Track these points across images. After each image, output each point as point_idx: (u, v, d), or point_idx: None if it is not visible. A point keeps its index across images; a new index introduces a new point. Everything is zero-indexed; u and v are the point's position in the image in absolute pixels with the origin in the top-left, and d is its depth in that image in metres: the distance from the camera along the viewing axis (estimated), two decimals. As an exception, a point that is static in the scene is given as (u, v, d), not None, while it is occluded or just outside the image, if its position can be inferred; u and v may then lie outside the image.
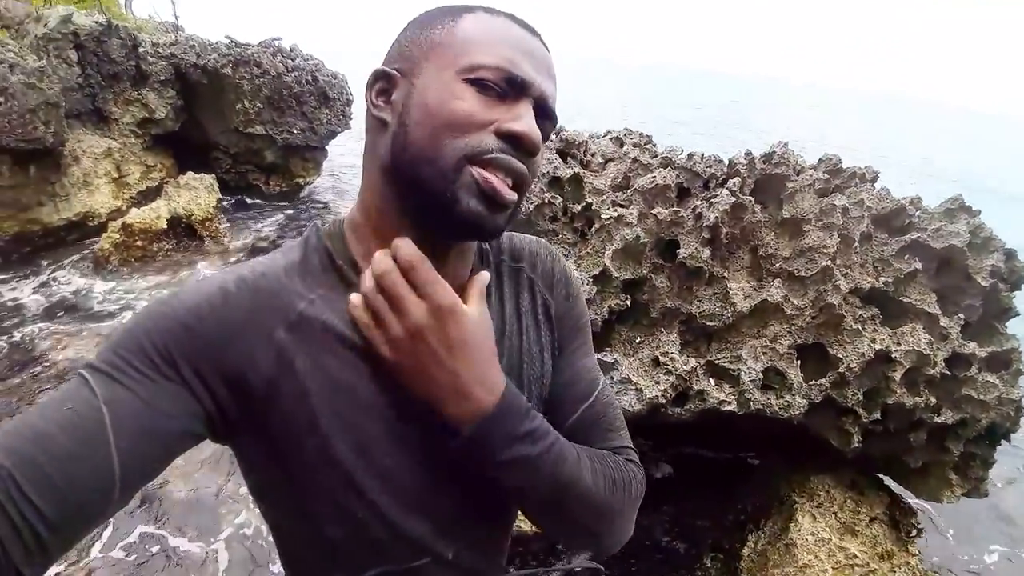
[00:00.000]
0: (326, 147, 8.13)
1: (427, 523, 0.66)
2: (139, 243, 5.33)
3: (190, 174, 5.94)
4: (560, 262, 0.81)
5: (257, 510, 0.73)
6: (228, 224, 6.36)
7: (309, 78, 7.29)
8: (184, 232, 5.72)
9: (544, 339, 0.76)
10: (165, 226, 5.46)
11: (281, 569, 0.75)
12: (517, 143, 0.58)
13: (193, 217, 5.67)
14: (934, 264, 2.39)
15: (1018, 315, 2.54)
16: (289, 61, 7.17)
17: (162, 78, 6.55)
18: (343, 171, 9.94)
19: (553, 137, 2.61)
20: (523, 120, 0.58)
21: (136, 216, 5.38)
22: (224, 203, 6.54)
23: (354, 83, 8.00)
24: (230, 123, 7.06)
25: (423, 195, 0.59)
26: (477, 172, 0.57)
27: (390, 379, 0.62)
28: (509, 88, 0.58)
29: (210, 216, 5.80)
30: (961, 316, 2.42)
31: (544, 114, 0.62)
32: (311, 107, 7.38)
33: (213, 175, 6.19)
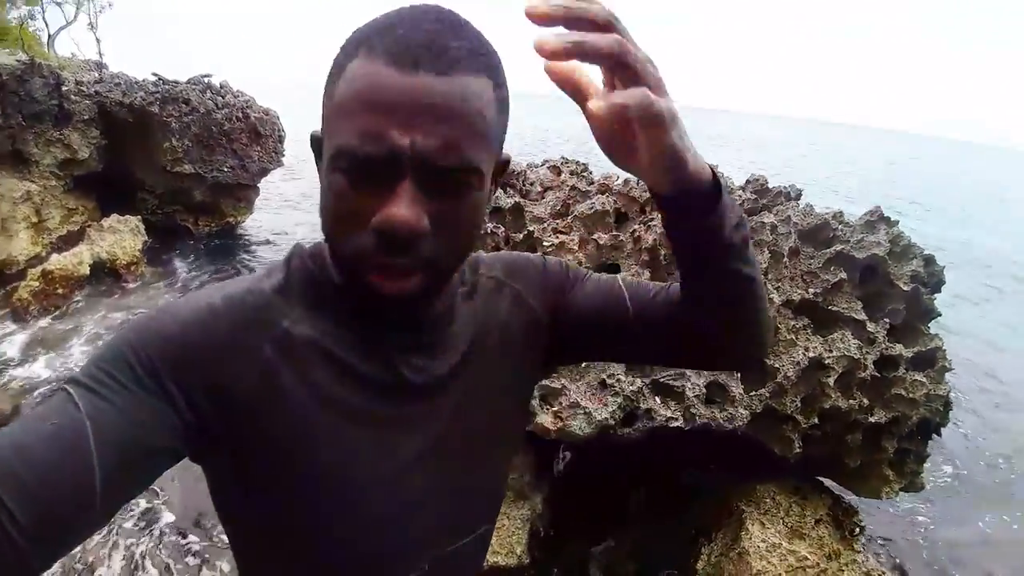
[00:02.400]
0: (258, 185, 7.95)
1: (407, 535, 0.67)
2: (60, 291, 5.03)
3: (114, 216, 5.69)
4: (535, 260, 0.80)
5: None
6: (154, 267, 6.11)
7: (240, 115, 7.12)
8: (108, 276, 5.44)
9: (531, 357, 0.76)
10: (87, 272, 5.19)
11: None
12: (388, 238, 0.52)
13: (118, 261, 5.41)
14: (858, 273, 2.52)
15: (940, 315, 2.70)
16: (219, 98, 7.00)
17: (85, 117, 6.26)
18: (279, 209, 9.71)
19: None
20: (388, 209, 0.51)
21: (57, 262, 5.09)
22: (150, 246, 6.29)
23: (287, 119, 7.88)
24: (157, 162, 6.80)
25: (342, 276, 0.61)
26: (364, 277, 0.55)
27: (378, 392, 0.62)
28: (375, 170, 0.51)
29: (135, 260, 5.57)
30: (887, 320, 2.55)
31: (436, 175, 0.51)
32: (242, 144, 7.20)
33: (139, 216, 5.96)
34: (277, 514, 0.63)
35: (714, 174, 0.57)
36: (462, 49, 0.51)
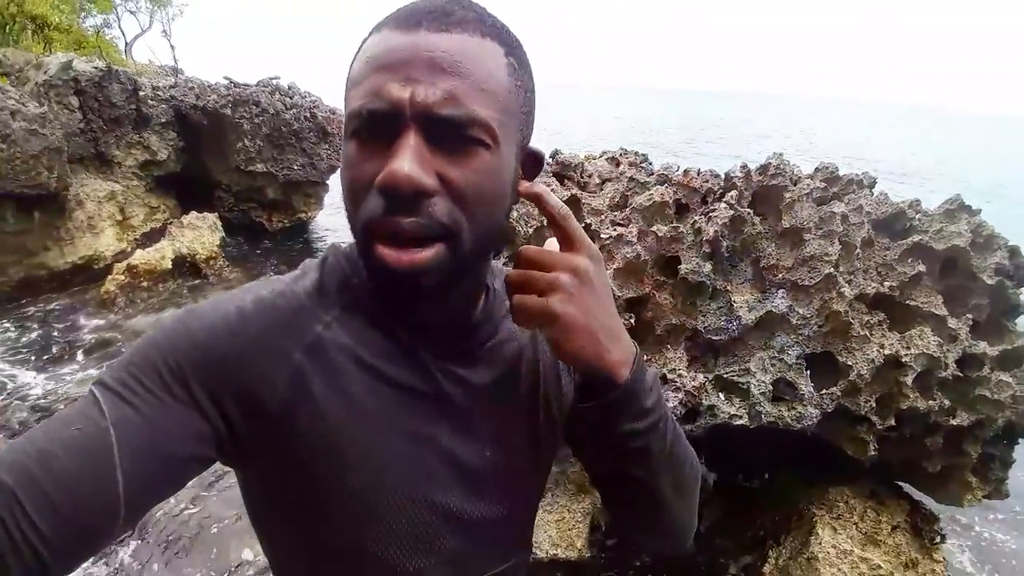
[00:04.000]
0: (327, 181, 8.22)
1: (439, 555, 0.64)
2: (144, 284, 5.37)
3: (193, 214, 6.02)
4: None
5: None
6: (232, 261, 6.41)
7: (307, 115, 7.39)
8: (189, 271, 5.77)
9: (556, 392, 0.73)
10: (170, 266, 5.52)
11: None
12: (391, 193, 0.49)
13: (197, 256, 5.73)
14: (938, 265, 2.37)
15: (1029, 311, 2.51)
16: (287, 99, 7.29)
17: (163, 120, 6.67)
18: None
19: (549, 160, 2.62)
20: (389, 165, 0.49)
21: (141, 257, 5.45)
22: (228, 241, 6.61)
23: None
24: (231, 162, 7.15)
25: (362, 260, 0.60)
26: (372, 247, 0.53)
27: (413, 403, 0.61)
28: (377, 129, 0.50)
29: (214, 255, 5.87)
30: (969, 316, 2.39)
31: (439, 127, 0.50)
32: (310, 143, 7.48)
33: (216, 214, 6.27)
34: (307, 525, 0.61)
35: (633, 376, 0.58)
36: (468, 14, 0.52)
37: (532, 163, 0.61)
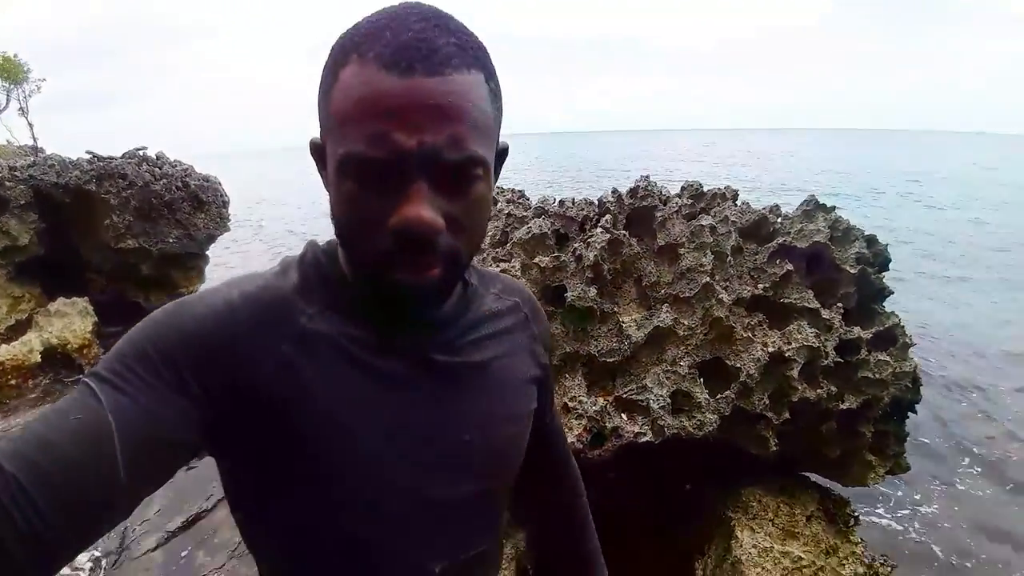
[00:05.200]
0: (206, 252, 7.79)
1: (420, 535, 0.67)
2: (12, 381, 4.87)
3: (61, 300, 5.53)
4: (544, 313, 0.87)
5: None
6: (108, 348, 5.92)
7: (179, 184, 7.02)
8: (61, 362, 5.27)
9: (532, 375, 0.79)
10: (39, 359, 5.02)
11: None
12: (409, 239, 0.53)
13: (69, 346, 5.24)
14: (804, 263, 2.52)
15: (892, 293, 2.70)
16: (156, 169, 6.90)
17: (22, 202, 6.14)
18: (234, 272, 9.72)
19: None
20: (404, 210, 0.52)
21: (6, 353, 4.92)
22: (102, 326, 6.08)
23: (228, 184, 7.81)
24: (101, 240, 6.66)
25: (358, 277, 0.63)
26: (383, 275, 0.56)
27: (396, 390, 0.64)
28: (384, 173, 0.52)
29: (87, 342, 5.38)
30: (840, 305, 2.54)
31: (446, 171, 0.53)
32: (185, 213, 7.08)
33: (86, 298, 5.78)
34: (294, 511, 0.63)
35: None
36: (451, 46, 0.52)
37: (501, 157, 0.66)
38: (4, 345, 5.13)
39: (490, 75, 0.56)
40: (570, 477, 0.98)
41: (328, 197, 0.59)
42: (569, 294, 2.34)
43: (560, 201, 2.51)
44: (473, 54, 0.54)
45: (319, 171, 0.62)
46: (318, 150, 0.61)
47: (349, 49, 0.53)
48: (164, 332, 0.57)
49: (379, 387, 0.63)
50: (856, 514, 2.78)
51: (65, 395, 0.53)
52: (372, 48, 0.51)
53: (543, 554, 1.01)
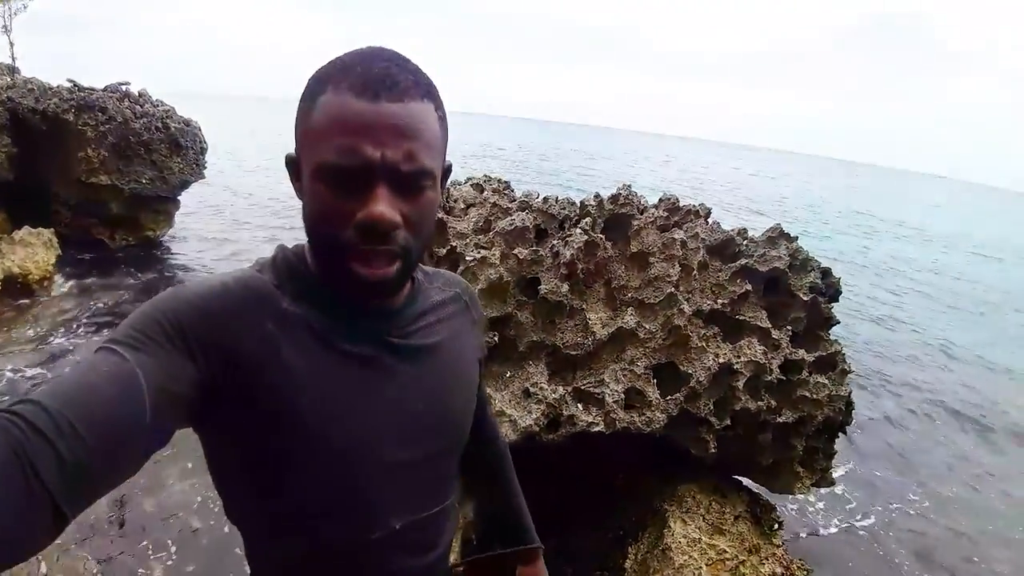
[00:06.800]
0: (178, 197, 7.65)
1: (382, 494, 0.78)
2: (-33, 305, 4.82)
3: (26, 229, 5.45)
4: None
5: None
6: (68, 281, 5.84)
7: (159, 124, 6.86)
8: (20, 291, 5.20)
9: (474, 354, 0.95)
10: (-1, 286, 4.96)
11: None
12: (371, 231, 0.65)
13: (30, 276, 5.19)
14: (762, 285, 2.71)
15: (839, 323, 2.92)
16: (137, 107, 6.72)
17: (-2, 123, 5.91)
18: (203, 221, 9.38)
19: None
20: (369, 208, 0.64)
21: (-36, 277, 4.87)
22: (65, 259, 6.01)
23: (208, 129, 7.64)
24: (72, 172, 6.48)
25: (326, 270, 0.74)
26: (348, 266, 0.67)
27: (362, 369, 0.75)
28: (353, 179, 0.64)
29: (48, 274, 5.35)
30: (789, 328, 2.75)
31: (403, 179, 0.65)
32: (161, 155, 6.93)
33: (52, 230, 5.69)
34: (269, 478, 0.72)
35: None
36: (409, 80, 0.65)
37: (446, 173, 0.79)
38: (-37, 266, 5.06)
39: (438, 106, 0.69)
40: (497, 436, 1.17)
41: (301, 204, 0.71)
42: (543, 287, 2.51)
43: (544, 198, 2.66)
44: (426, 88, 0.67)
45: (292, 182, 0.73)
46: (293, 164, 0.72)
47: (325, 80, 0.65)
48: (173, 304, 0.66)
49: (345, 365, 0.74)
50: (780, 519, 3.02)
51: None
52: (345, 79, 0.64)
53: (482, 509, 1.21)
